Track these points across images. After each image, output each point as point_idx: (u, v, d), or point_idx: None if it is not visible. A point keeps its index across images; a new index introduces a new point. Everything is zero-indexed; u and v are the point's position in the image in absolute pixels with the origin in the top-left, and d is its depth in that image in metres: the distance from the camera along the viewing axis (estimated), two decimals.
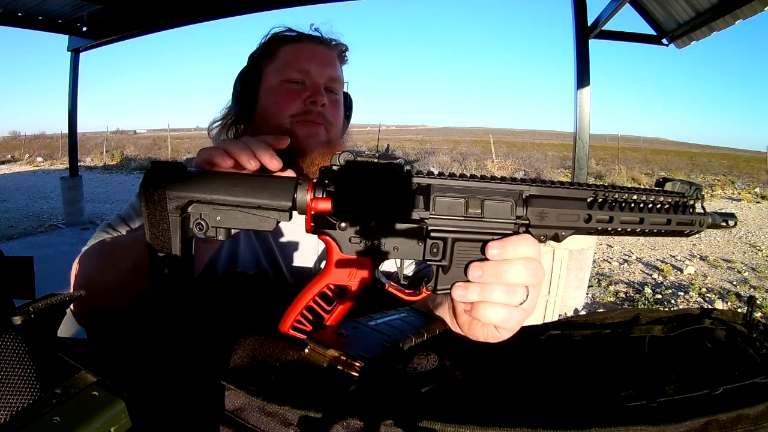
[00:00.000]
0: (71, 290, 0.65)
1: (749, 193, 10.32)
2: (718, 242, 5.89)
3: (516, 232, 0.48)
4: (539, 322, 0.60)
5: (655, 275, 4.53)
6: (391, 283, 0.50)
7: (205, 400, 0.41)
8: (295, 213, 0.47)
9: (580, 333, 0.56)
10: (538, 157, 14.13)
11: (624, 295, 3.98)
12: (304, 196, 0.46)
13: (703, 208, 0.53)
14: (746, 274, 4.59)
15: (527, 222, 0.48)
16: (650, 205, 0.51)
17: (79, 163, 7.08)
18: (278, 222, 0.47)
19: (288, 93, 0.83)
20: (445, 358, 0.48)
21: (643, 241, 5.85)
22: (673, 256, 5.19)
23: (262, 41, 0.90)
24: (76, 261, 0.70)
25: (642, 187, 0.52)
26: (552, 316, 2.82)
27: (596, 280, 4.26)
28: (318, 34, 0.90)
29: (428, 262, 0.48)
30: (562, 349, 0.54)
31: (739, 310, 0.54)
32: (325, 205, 0.45)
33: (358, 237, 0.47)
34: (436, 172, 0.48)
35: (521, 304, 0.47)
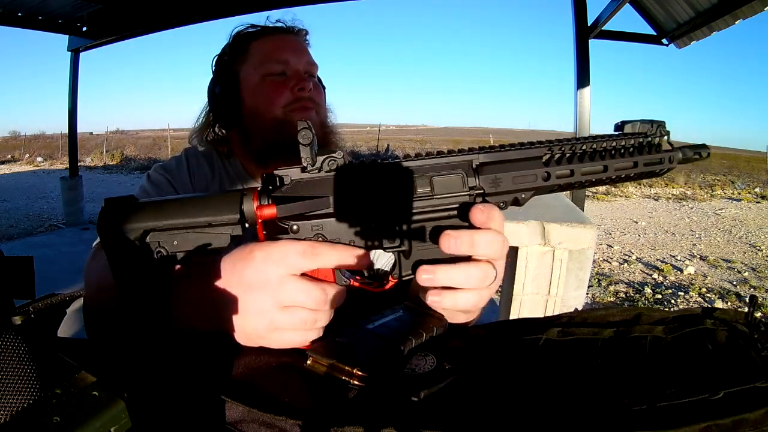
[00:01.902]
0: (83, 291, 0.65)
1: (749, 193, 10.32)
2: (718, 242, 5.89)
3: (472, 203, 0.46)
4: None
5: (655, 275, 4.53)
6: (356, 277, 0.49)
7: (208, 412, 0.41)
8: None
9: (581, 331, 0.56)
10: None
11: (624, 295, 3.98)
12: (251, 204, 0.45)
13: (670, 144, 0.51)
14: (746, 274, 4.60)
15: (482, 191, 0.47)
16: (612, 151, 0.49)
17: (79, 163, 7.08)
18: (232, 236, 0.46)
19: (274, 85, 0.83)
20: (444, 358, 0.48)
21: (643, 241, 5.85)
22: (673, 256, 5.19)
23: (228, 43, 0.90)
24: (88, 260, 0.69)
25: (600, 134, 0.50)
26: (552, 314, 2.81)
27: (596, 280, 4.26)
28: (281, 25, 0.91)
29: (387, 250, 0.47)
30: (562, 350, 0.54)
31: (740, 310, 0.54)
32: (270, 211, 0.45)
33: (313, 238, 0.46)
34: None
35: (490, 285, 0.46)
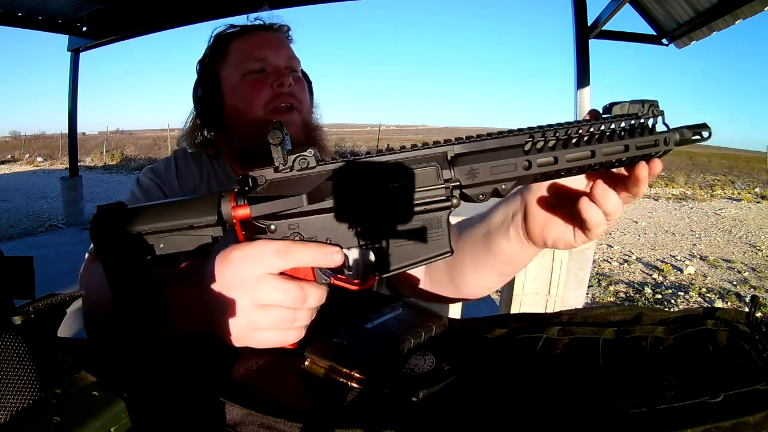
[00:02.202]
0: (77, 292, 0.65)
1: (749, 193, 10.32)
2: (718, 242, 5.89)
3: (449, 197, 0.45)
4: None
5: (655, 275, 4.53)
6: (337, 276, 0.49)
7: (207, 414, 0.41)
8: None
9: (581, 330, 0.55)
10: None
11: (624, 295, 3.98)
12: (228, 206, 0.46)
13: (665, 124, 0.48)
14: (746, 274, 4.59)
15: (458, 183, 0.46)
16: (599, 136, 0.46)
17: (79, 163, 7.08)
18: (214, 237, 0.47)
19: (253, 84, 0.82)
20: (443, 358, 0.48)
21: (643, 241, 5.85)
22: (673, 256, 5.19)
23: (209, 45, 0.89)
24: (82, 270, 0.69)
25: (587, 119, 0.48)
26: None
27: (596, 280, 4.26)
28: (260, 22, 0.90)
29: (364, 248, 0.46)
30: (563, 349, 0.54)
31: (741, 310, 0.54)
32: (244, 212, 0.45)
33: (289, 236, 0.46)
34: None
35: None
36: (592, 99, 3.83)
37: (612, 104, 0.47)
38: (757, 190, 10.67)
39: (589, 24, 3.87)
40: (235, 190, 0.47)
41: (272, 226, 0.46)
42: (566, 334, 0.55)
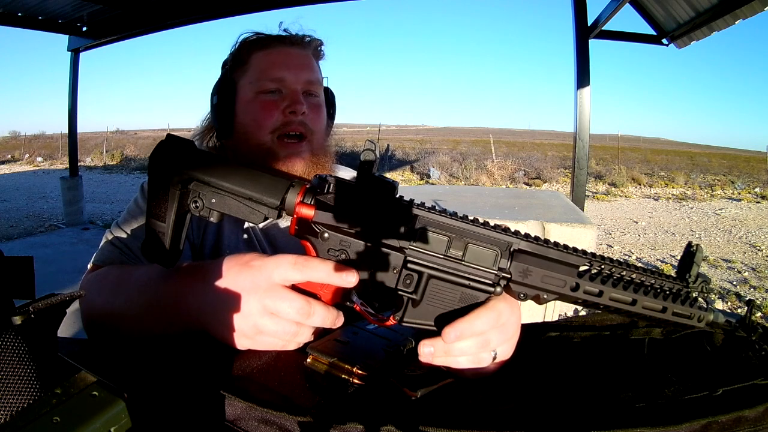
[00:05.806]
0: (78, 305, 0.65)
1: (749, 193, 10.32)
2: (718, 242, 5.89)
3: (495, 284, 0.46)
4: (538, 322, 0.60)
5: None
6: (362, 302, 0.49)
7: (207, 410, 0.41)
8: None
9: (579, 335, 0.56)
10: (538, 157, 14.10)
11: None
12: (294, 198, 0.47)
13: (707, 302, 0.49)
14: (746, 274, 4.59)
15: (509, 276, 0.46)
16: (648, 287, 0.47)
17: (79, 163, 7.08)
18: (266, 217, 0.48)
19: (264, 106, 0.78)
20: None
21: (643, 241, 5.85)
22: (673, 256, 5.19)
23: (232, 50, 0.85)
24: (83, 279, 0.68)
25: (644, 267, 0.49)
26: (552, 316, 2.82)
27: None
28: (288, 34, 0.85)
29: (399, 292, 0.46)
30: (561, 351, 0.54)
31: (738, 311, 0.54)
32: (308, 212, 0.46)
33: (337, 251, 0.46)
34: (429, 204, 0.47)
35: (494, 359, 0.47)
36: (593, 99, 3.83)
37: (697, 247, 0.49)
38: (757, 190, 10.67)
39: (589, 24, 3.87)
40: (307, 185, 0.47)
41: (326, 234, 0.46)
42: (565, 339, 0.55)
